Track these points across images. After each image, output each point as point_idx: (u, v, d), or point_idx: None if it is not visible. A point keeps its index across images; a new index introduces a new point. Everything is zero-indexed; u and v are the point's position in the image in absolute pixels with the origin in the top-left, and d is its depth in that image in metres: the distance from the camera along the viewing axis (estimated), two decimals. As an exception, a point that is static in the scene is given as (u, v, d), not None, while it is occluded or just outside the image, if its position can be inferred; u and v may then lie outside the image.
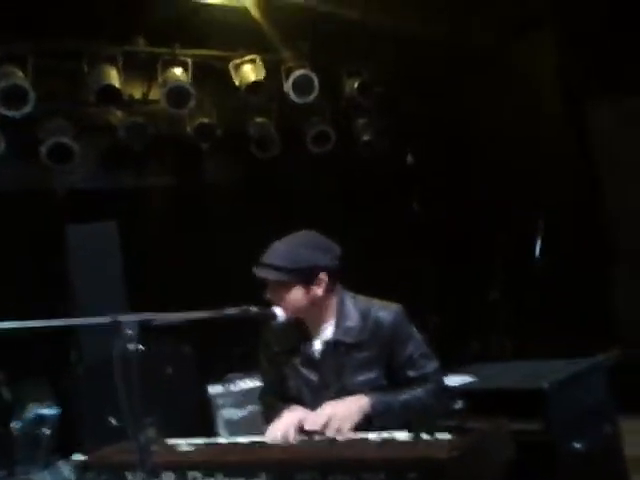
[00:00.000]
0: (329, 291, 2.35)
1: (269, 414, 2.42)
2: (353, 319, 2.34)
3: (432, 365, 2.36)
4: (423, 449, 1.81)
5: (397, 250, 6.31)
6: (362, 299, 2.41)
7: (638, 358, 4.34)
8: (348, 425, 2.13)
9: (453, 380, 3.12)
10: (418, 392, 2.28)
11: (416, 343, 2.35)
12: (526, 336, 5.22)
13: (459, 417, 2.71)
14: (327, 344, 2.35)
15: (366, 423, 2.19)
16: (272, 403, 2.48)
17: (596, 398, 3.09)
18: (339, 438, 2.08)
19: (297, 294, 2.29)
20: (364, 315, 2.34)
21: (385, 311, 2.34)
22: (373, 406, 2.21)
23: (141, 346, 1.91)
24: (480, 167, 6.27)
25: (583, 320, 5.15)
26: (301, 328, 2.40)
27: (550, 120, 5.79)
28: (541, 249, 5.33)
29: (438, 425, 2.00)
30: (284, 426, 2.18)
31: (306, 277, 2.28)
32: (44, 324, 1.95)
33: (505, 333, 5.48)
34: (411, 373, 2.32)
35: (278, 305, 2.31)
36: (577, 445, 2.78)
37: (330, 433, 2.10)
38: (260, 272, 2.30)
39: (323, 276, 2.30)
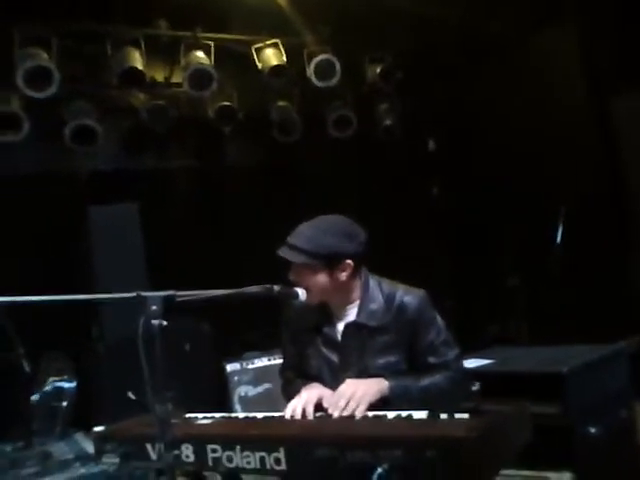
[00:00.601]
0: (353, 276, 2.34)
1: (289, 390, 2.45)
2: (377, 302, 2.34)
3: (453, 352, 2.36)
4: (441, 428, 1.82)
5: (416, 235, 6.30)
6: (387, 283, 2.41)
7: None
8: (364, 405, 2.14)
9: (470, 362, 3.13)
10: (437, 378, 2.29)
11: (438, 329, 2.35)
12: (544, 322, 5.20)
13: (475, 399, 2.73)
14: (350, 326, 2.35)
15: (382, 405, 2.19)
16: (292, 379, 2.51)
17: (614, 384, 3.08)
18: (356, 415, 2.10)
19: (320, 278, 2.29)
20: (388, 299, 2.34)
21: (409, 296, 2.33)
22: (392, 389, 2.22)
23: (164, 322, 1.95)
24: (501, 154, 6.22)
25: (602, 307, 5.12)
26: (324, 308, 2.41)
27: (573, 110, 5.72)
28: (562, 236, 5.29)
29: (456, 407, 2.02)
30: (303, 402, 2.20)
31: (330, 263, 2.27)
32: (70, 298, 2.00)
33: (523, 319, 5.46)
34: (432, 359, 2.32)
35: (301, 287, 2.31)
36: (593, 429, 2.78)
37: (347, 412, 2.12)
38: (284, 253, 2.28)
39: (348, 262, 2.29)
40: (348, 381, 2.23)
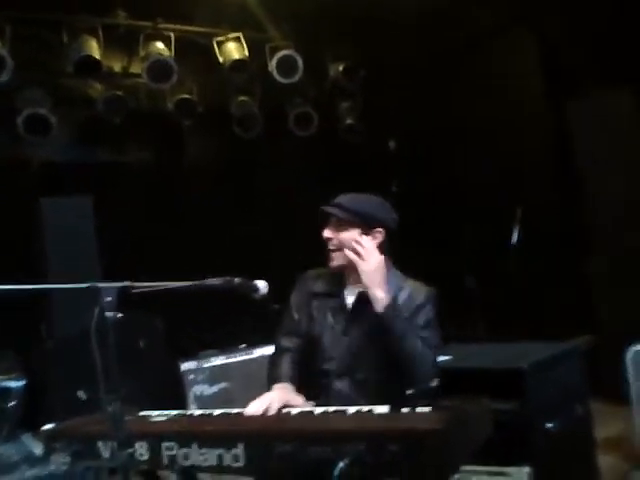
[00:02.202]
0: (380, 250, 2.44)
1: (273, 367, 2.48)
2: (391, 286, 2.42)
3: (435, 339, 2.50)
4: (403, 421, 1.80)
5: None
6: (400, 274, 2.55)
7: (610, 345, 4.39)
8: (369, 259, 2.33)
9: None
10: (420, 345, 2.37)
11: (430, 321, 2.47)
12: (501, 322, 5.25)
13: (436, 395, 2.73)
14: (361, 296, 2.42)
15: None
16: (283, 351, 2.53)
17: (570, 381, 3.11)
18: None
19: (353, 235, 2.42)
20: (401, 287, 2.46)
21: (420, 288, 2.49)
22: (392, 303, 2.32)
23: (119, 314, 1.88)
24: (460, 155, 6.28)
25: (557, 306, 5.21)
26: (341, 280, 2.51)
27: (531, 113, 5.81)
28: (518, 237, 5.36)
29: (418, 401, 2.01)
30: (267, 404, 2.17)
31: (364, 223, 2.43)
32: (23, 288, 1.91)
33: (480, 319, 5.51)
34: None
35: (332, 245, 2.45)
36: (550, 425, 2.80)
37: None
38: (328, 209, 2.45)
39: (379, 230, 2.44)
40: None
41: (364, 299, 2.40)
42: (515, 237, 5.33)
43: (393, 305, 2.33)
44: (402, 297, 2.42)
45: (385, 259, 2.46)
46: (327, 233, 2.46)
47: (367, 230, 2.42)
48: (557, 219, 5.56)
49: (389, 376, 2.33)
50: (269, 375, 2.50)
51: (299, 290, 2.61)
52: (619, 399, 3.91)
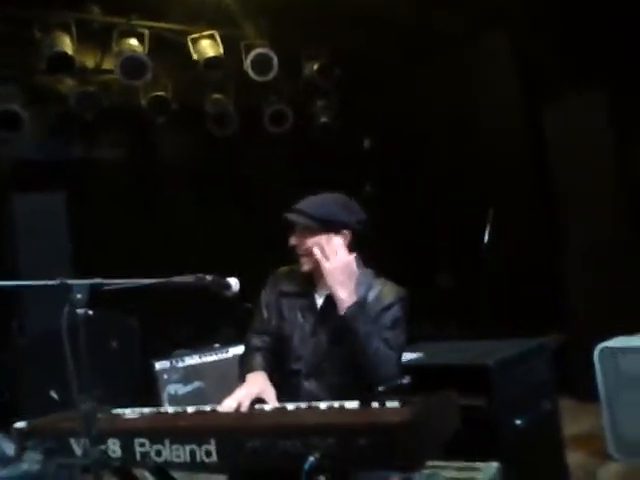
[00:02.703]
0: (347, 250, 2.42)
1: (244, 365, 2.46)
2: (360, 287, 2.41)
3: (400, 338, 2.43)
4: (373, 415, 1.83)
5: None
6: (371, 273, 2.52)
7: (580, 343, 4.48)
8: (333, 259, 2.31)
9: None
10: (383, 346, 2.34)
11: (396, 321, 2.42)
12: (473, 320, 5.33)
13: (406, 391, 2.77)
14: (330, 297, 2.41)
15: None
16: (254, 349, 2.50)
17: (538, 377, 3.18)
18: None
19: (319, 241, 2.40)
20: (370, 285, 2.45)
21: (390, 287, 2.46)
22: (355, 304, 2.30)
23: (90, 311, 1.88)
24: (434, 156, 6.35)
25: (530, 306, 5.29)
26: (311, 280, 2.49)
27: (506, 114, 5.89)
28: (490, 236, 5.44)
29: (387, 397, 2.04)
30: (237, 400, 2.18)
31: (329, 228, 2.40)
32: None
33: (453, 317, 5.58)
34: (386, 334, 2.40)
35: (300, 252, 2.44)
36: (518, 421, 2.86)
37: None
38: (291, 216, 2.43)
39: (345, 232, 2.42)
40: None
41: (333, 301, 2.39)
42: (487, 237, 5.41)
43: (358, 305, 2.33)
44: (371, 296, 2.42)
45: (354, 259, 2.45)
46: (293, 241, 2.46)
47: (333, 234, 2.40)
48: (529, 219, 5.65)
49: (356, 377, 2.33)
50: (240, 373, 2.47)
51: (270, 288, 2.60)
52: (588, 396, 4.00)
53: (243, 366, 2.47)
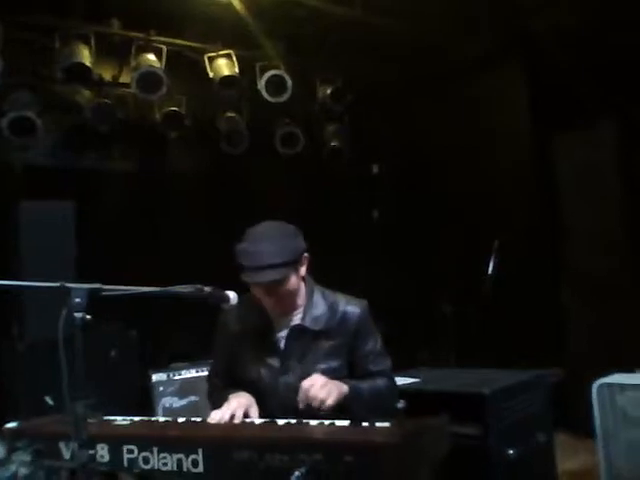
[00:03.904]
0: (307, 272, 2.41)
1: (216, 397, 2.42)
2: (320, 309, 2.38)
3: (388, 362, 2.46)
4: (361, 434, 1.83)
5: (354, 256, 6.36)
6: (330, 292, 2.47)
7: (578, 377, 4.45)
8: (333, 398, 2.16)
9: (398, 380, 3.15)
10: (379, 383, 2.37)
11: (376, 339, 2.44)
12: (473, 351, 5.31)
13: (400, 415, 2.76)
14: (294, 329, 2.37)
15: (339, 409, 2.21)
16: (219, 386, 2.48)
17: (534, 409, 3.17)
18: (327, 404, 2.13)
19: (293, 281, 2.32)
20: (331, 307, 2.39)
21: (352, 305, 2.41)
22: (349, 390, 2.26)
23: (88, 316, 1.89)
24: (442, 184, 6.38)
25: (531, 338, 5.27)
26: (265, 312, 2.40)
27: (515, 145, 5.92)
28: (494, 268, 5.43)
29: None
30: (232, 409, 2.18)
31: (298, 262, 2.33)
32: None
33: (452, 346, 5.56)
34: (372, 367, 2.40)
35: (280, 304, 2.32)
36: (511, 451, 2.84)
37: (318, 401, 2.13)
38: (262, 278, 2.22)
39: (305, 255, 2.37)
40: (315, 375, 2.24)
41: (295, 333, 2.34)
42: (491, 268, 5.40)
43: (350, 389, 2.25)
44: (337, 317, 2.36)
45: (307, 282, 2.41)
46: (270, 301, 2.31)
47: (298, 267, 2.33)
48: (534, 251, 5.65)
49: (341, 412, 2.24)
50: (212, 400, 2.42)
51: (222, 331, 2.48)
52: (585, 432, 3.96)
53: (216, 399, 2.38)
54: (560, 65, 5.47)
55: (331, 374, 2.29)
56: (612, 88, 5.06)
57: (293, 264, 2.28)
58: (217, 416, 2.15)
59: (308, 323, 2.36)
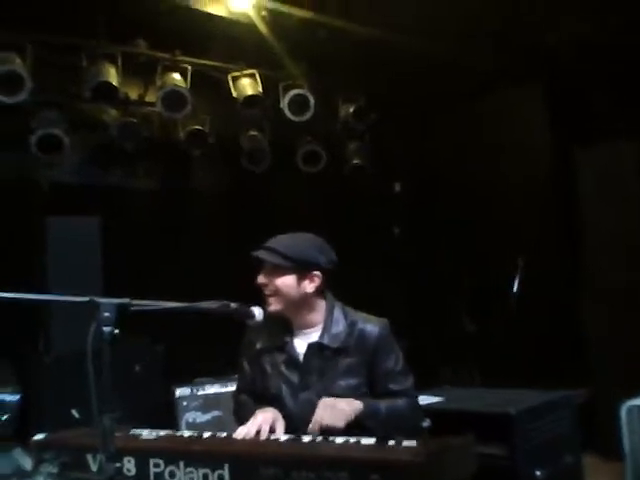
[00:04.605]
0: (319, 292, 2.40)
1: (242, 413, 2.42)
2: (340, 326, 2.39)
3: (410, 381, 2.44)
4: (387, 452, 1.81)
5: (376, 273, 6.35)
6: (351, 310, 2.47)
7: (607, 398, 4.37)
8: (343, 420, 2.16)
9: (421, 399, 3.13)
10: (399, 404, 2.35)
11: (397, 358, 2.42)
12: (497, 370, 5.24)
13: (425, 435, 2.73)
14: (312, 346, 2.38)
15: (356, 426, 2.21)
16: (246, 402, 2.48)
17: (561, 430, 3.12)
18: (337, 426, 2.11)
19: (288, 281, 2.35)
20: (351, 325, 2.39)
21: (371, 324, 2.41)
22: (364, 408, 2.24)
23: (116, 330, 1.91)
24: (465, 201, 6.36)
25: (555, 357, 5.20)
26: (286, 328, 2.43)
27: (537, 162, 5.90)
28: (519, 286, 5.39)
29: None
30: (258, 424, 2.18)
31: (300, 268, 2.34)
32: (19, 297, 1.95)
33: (476, 365, 5.51)
34: (392, 386, 2.38)
35: (267, 290, 2.37)
36: (538, 473, 2.79)
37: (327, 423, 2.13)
38: (259, 253, 2.36)
39: (316, 274, 2.36)
40: (325, 399, 2.23)
41: (313, 350, 2.36)
42: (516, 286, 5.36)
43: (365, 407, 2.25)
44: (355, 335, 2.36)
45: (327, 297, 2.43)
46: (261, 279, 2.38)
47: (303, 274, 2.34)
48: (558, 268, 5.60)
49: (363, 429, 2.24)
50: (239, 416, 2.43)
51: (247, 347, 2.52)
52: (613, 454, 3.88)
53: (242, 415, 2.40)
54: (579, 78, 5.46)
55: (350, 392, 2.31)
56: (632, 100, 5.03)
57: (294, 263, 2.32)
58: (243, 431, 2.15)
59: (327, 340, 2.37)
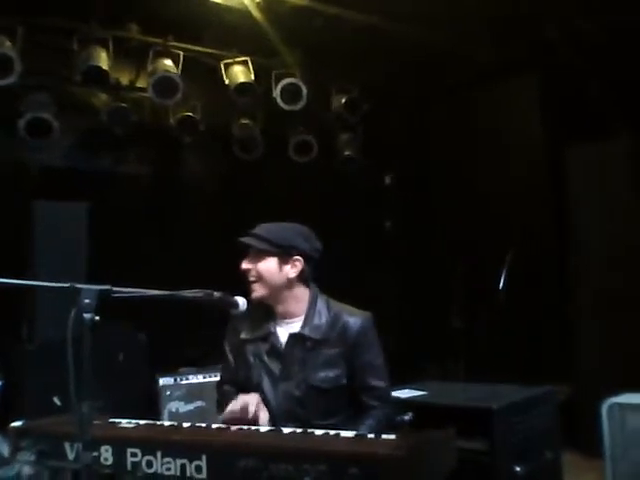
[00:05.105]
0: (302, 280, 2.43)
1: (225, 402, 2.43)
2: (322, 318, 2.41)
3: (386, 379, 2.45)
4: (366, 445, 1.81)
5: (365, 265, 6.35)
6: (335, 303, 2.49)
7: (589, 395, 4.40)
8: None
9: (404, 392, 3.15)
10: (377, 418, 2.35)
11: (377, 352, 2.44)
12: (482, 365, 5.26)
13: (406, 428, 2.74)
14: (293, 336, 2.39)
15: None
16: (229, 392, 2.50)
17: (542, 426, 3.13)
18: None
19: (270, 265, 2.39)
20: (334, 317, 2.41)
21: (354, 316, 2.43)
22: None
23: (97, 317, 1.89)
24: (455, 195, 6.36)
25: (540, 354, 5.23)
26: (271, 318, 2.45)
27: (528, 158, 5.90)
28: (505, 281, 5.40)
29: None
30: (241, 402, 2.23)
31: (282, 252, 2.39)
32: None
33: (462, 360, 5.52)
34: (370, 380, 2.40)
35: (251, 276, 2.41)
36: (518, 468, 2.80)
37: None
38: (245, 238, 2.42)
39: (298, 258, 2.40)
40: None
41: (294, 340, 2.38)
42: (503, 281, 5.36)
43: None
44: (337, 327, 2.38)
45: (311, 288, 2.46)
46: (245, 264, 2.43)
47: (285, 259, 2.39)
48: (546, 265, 5.61)
49: (343, 420, 2.30)
50: (221, 406, 2.44)
51: (231, 336, 2.55)
52: (593, 452, 3.91)
53: (225, 405, 2.40)
54: (575, 74, 5.45)
55: (330, 383, 2.33)
56: (627, 99, 5.04)
57: (275, 248, 2.38)
58: (230, 410, 2.20)
59: (307, 331, 2.39)
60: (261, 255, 2.40)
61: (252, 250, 2.43)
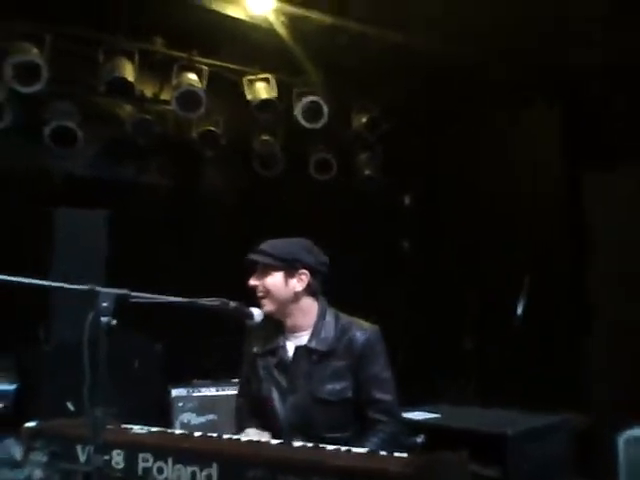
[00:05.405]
0: (310, 293, 2.44)
1: (237, 417, 2.52)
2: (330, 331, 2.41)
3: (392, 393, 2.43)
4: (377, 462, 1.79)
5: (381, 284, 6.33)
6: (344, 316, 2.49)
7: (605, 426, 4.32)
8: None
9: (417, 414, 3.11)
10: (382, 439, 2.32)
11: (384, 365, 2.43)
12: (493, 389, 5.20)
13: (418, 449, 2.71)
14: (300, 349, 2.41)
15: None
16: (241, 407, 2.55)
17: (555, 454, 3.08)
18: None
19: (277, 279, 2.41)
20: (342, 330, 2.42)
21: (362, 330, 2.42)
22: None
23: (114, 321, 1.90)
24: (473, 217, 6.33)
25: (554, 381, 5.15)
26: (280, 332, 2.47)
27: (547, 183, 5.87)
28: (523, 307, 5.35)
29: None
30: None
31: (287, 266, 2.41)
32: (19, 281, 1.94)
33: (473, 382, 5.46)
34: (376, 393, 2.37)
35: (259, 292, 2.43)
36: (530, 495, 2.76)
37: None
38: (251, 255, 2.46)
39: (304, 272, 2.41)
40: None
41: (301, 352, 2.40)
42: (521, 308, 5.32)
43: None
44: (344, 339, 2.39)
45: (319, 301, 2.47)
46: (252, 281, 2.46)
47: (291, 273, 2.41)
48: (562, 292, 5.55)
49: (351, 436, 2.29)
50: (237, 421, 2.50)
51: (246, 352, 2.58)
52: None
53: (237, 419, 2.50)
54: (594, 101, 5.43)
55: (335, 396, 2.33)
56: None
57: (280, 262, 2.40)
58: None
59: (314, 344, 2.40)
60: (267, 270, 2.43)
61: (259, 266, 2.46)
